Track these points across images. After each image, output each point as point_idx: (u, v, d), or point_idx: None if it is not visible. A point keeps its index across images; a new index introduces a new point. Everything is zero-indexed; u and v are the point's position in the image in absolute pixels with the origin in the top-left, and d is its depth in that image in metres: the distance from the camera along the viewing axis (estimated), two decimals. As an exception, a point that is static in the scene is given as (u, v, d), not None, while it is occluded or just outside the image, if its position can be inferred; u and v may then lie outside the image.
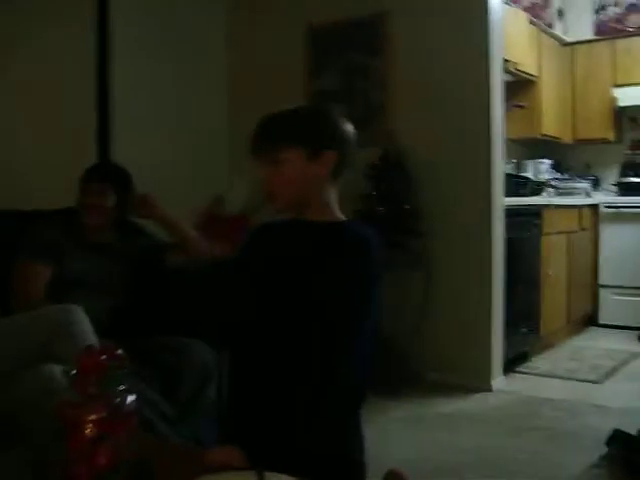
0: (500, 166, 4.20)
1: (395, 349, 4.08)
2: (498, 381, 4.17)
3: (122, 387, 1.20)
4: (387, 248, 4.11)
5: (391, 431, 3.37)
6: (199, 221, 2.17)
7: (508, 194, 4.45)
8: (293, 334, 1.54)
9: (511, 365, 4.48)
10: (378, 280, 1.61)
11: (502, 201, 4.23)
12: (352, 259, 1.55)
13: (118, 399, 1.18)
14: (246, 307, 1.64)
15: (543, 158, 6.24)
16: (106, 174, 2.86)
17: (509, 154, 5.82)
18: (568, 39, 6.36)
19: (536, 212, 4.92)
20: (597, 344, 5.31)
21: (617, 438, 1.57)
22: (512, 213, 4.39)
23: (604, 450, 1.60)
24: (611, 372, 4.45)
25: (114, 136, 4.01)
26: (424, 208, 4.19)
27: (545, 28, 5.91)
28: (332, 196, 1.67)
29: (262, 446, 1.39)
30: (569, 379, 4.35)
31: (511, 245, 4.34)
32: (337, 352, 1.50)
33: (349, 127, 1.67)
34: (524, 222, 4.72)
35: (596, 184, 6.48)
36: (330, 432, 1.54)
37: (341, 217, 1.68)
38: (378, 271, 1.62)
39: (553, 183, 6.10)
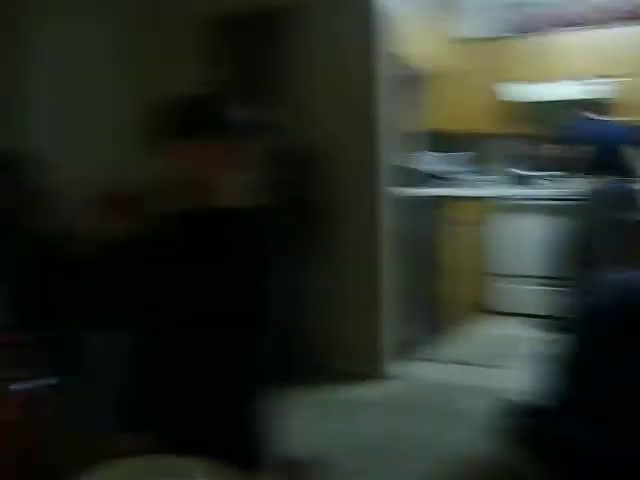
0: (394, 158, 4.29)
1: (292, 337, 4.08)
2: (394, 367, 4.24)
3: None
4: (281, 234, 4.13)
5: (296, 417, 3.36)
6: (98, 202, 2.11)
7: (405, 185, 4.53)
8: (194, 318, 1.51)
9: (407, 351, 4.56)
10: (272, 266, 1.60)
11: (397, 191, 4.31)
12: (246, 244, 1.54)
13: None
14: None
15: (440, 151, 6.37)
16: None
17: (407, 147, 5.93)
18: (464, 35, 6.53)
19: (433, 203, 5.03)
20: (492, 330, 5.48)
21: (517, 411, 1.51)
22: (409, 203, 4.48)
23: (500, 426, 1.56)
24: (505, 357, 4.59)
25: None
26: (319, 196, 4.22)
27: (441, 24, 6.04)
28: (232, 183, 1.65)
29: (175, 430, 1.38)
30: (465, 364, 4.46)
31: (410, 234, 4.43)
32: (234, 338, 1.48)
33: (242, 114, 1.66)
34: (421, 212, 4.81)
35: (490, 176, 6.68)
36: (227, 419, 1.53)
37: (238, 203, 1.66)
38: (272, 256, 1.61)
39: (450, 175, 6.24)
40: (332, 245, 4.22)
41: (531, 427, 1.34)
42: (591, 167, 4.97)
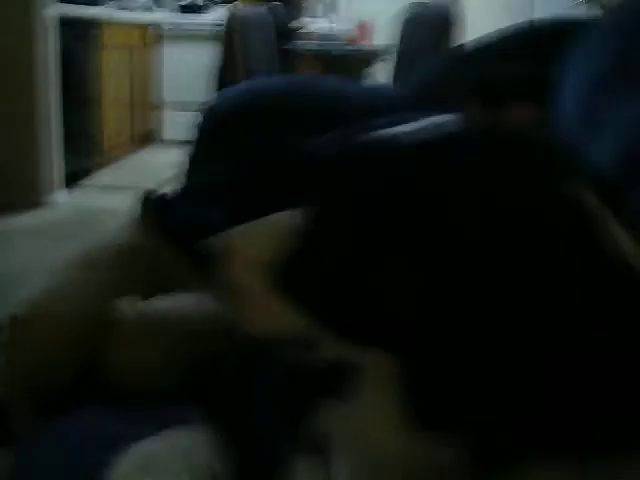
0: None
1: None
2: (59, 195, 4.13)
3: None
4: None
5: None
6: None
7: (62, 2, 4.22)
8: None
9: (73, 180, 4.46)
10: None
11: (53, 10, 3.99)
12: None
13: None
14: None
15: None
16: None
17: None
18: None
19: (94, 24, 4.75)
20: (159, 159, 5.51)
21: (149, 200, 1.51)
22: (67, 23, 4.20)
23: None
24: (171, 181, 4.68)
25: None
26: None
27: None
28: None
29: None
30: (121, 190, 4.41)
31: (67, 58, 4.18)
32: None
33: None
34: (81, 34, 4.55)
35: (159, 2, 6.49)
36: None
37: None
38: None
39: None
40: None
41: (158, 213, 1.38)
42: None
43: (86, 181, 4.65)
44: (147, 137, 6.02)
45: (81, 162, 4.62)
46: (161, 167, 5.13)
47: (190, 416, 0.86)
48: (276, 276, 0.57)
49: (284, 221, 0.60)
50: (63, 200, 4.12)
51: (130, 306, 1.11)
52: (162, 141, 6.05)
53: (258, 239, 0.60)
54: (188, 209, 1.37)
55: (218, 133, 1.77)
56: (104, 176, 4.86)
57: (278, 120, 1.69)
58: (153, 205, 1.43)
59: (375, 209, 0.53)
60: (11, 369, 1.12)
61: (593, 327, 0.47)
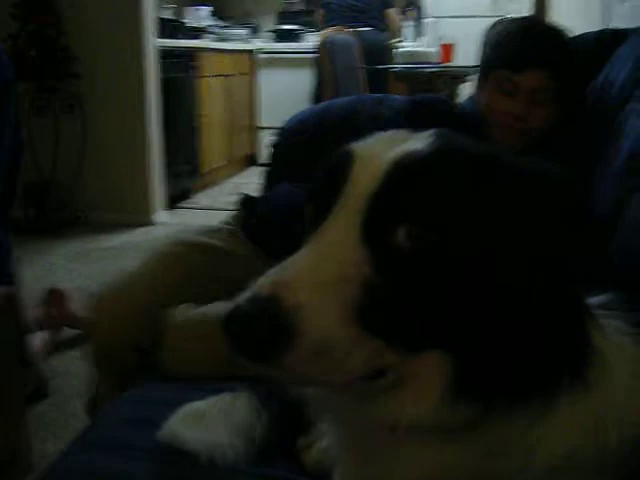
0: (151, 9, 4.24)
1: (54, 192, 4.11)
2: (160, 215, 4.40)
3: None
4: (39, 92, 4.00)
5: (57, 265, 3.46)
6: None
7: (165, 37, 4.54)
8: None
9: (173, 201, 4.74)
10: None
11: (155, 42, 4.30)
12: None
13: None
14: None
15: (203, 5, 6.36)
16: None
17: (167, -1, 5.84)
18: None
19: (193, 55, 5.06)
20: (256, 181, 5.74)
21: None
22: (168, 55, 4.51)
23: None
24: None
25: None
26: (77, 50, 4.13)
27: None
28: None
29: None
30: (227, 210, 4.71)
31: (168, 87, 4.48)
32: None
33: None
34: (181, 64, 4.85)
35: (255, 31, 6.80)
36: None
37: None
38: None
39: (212, 30, 6.27)
40: (92, 99, 4.19)
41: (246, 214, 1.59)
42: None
43: (186, 203, 4.94)
44: (245, 161, 6.29)
45: (181, 185, 4.91)
46: (258, 189, 5.36)
47: (233, 387, 1.02)
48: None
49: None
50: (164, 220, 4.39)
51: (180, 313, 1.29)
52: (260, 164, 6.30)
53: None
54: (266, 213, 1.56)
55: (289, 151, 1.93)
56: (203, 198, 5.14)
57: (342, 137, 1.82)
58: (241, 205, 1.62)
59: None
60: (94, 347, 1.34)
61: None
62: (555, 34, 1.54)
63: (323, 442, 0.77)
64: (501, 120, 1.49)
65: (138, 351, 1.30)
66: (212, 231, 1.57)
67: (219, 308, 1.30)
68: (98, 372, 1.41)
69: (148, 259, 1.48)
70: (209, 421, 0.93)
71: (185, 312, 1.31)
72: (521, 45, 1.48)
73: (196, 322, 1.28)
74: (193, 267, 1.44)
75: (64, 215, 4.16)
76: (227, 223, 1.62)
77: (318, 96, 4.76)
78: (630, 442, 0.63)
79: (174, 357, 1.26)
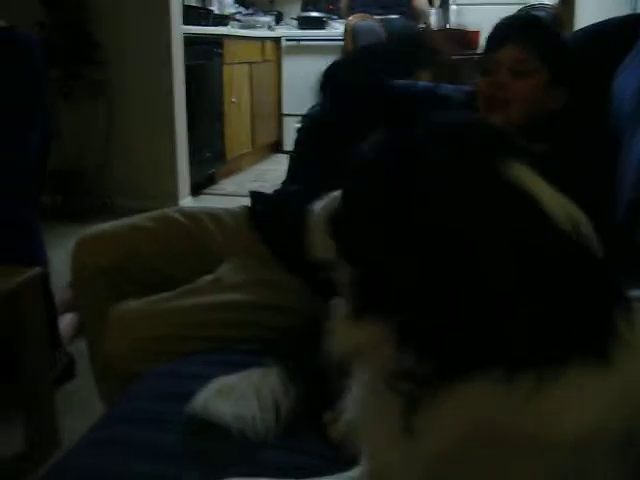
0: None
1: (81, 179, 4.16)
2: (186, 202, 4.43)
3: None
4: (66, 78, 4.04)
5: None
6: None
7: (190, 24, 4.56)
8: None
9: (198, 188, 4.78)
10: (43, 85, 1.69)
11: (181, 29, 4.32)
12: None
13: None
14: None
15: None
16: None
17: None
18: None
19: (219, 42, 5.08)
20: (281, 167, 5.77)
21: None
22: (193, 41, 4.53)
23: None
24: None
25: None
26: (103, 36, 4.16)
27: None
28: None
29: None
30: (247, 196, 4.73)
31: (193, 73, 4.51)
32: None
33: None
34: (206, 51, 4.88)
35: (279, 18, 6.81)
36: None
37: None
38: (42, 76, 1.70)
39: (237, 17, 6.29)
40: (118, 86, 4.23)
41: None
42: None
43: (210, 189, 4.97)
44: (270, 147, 6.31)
45: (206, 172, 4.94)
46: (281, 175, 5.37)
47: (263, 363, 1.04)
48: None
49: None
50: (189, 206, 4.42)
51: (127, 306, 1.34)
52: (284, 151, 6.32)
53: None
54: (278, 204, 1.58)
55: (313, 137, 1.94)
56: (228, 184, 5.17)
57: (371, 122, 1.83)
58: (253, 199, 1.65)
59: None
60: None
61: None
62: (534, 19, 1.62)
63: (349, 416, 0.79)
64: (486, 95, 1.53)
65: None
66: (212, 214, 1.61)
67: (170, 303, 1.33)
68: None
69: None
70: (239, 395, 0.95)
71: (134, 305, 1.34)
72: (497, 28, 1.58)
73: (145, 317, 1.31)
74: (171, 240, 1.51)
75: (90, 201, 4.20)
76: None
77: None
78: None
79: (118, 351, 1.28)
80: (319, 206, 0.83)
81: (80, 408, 2.05)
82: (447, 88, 1.84)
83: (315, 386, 0.95)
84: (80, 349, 2.38)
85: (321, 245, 0.79)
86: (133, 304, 1.34)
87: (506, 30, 1.57)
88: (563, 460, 0.63)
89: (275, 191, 1.82)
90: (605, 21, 1.81)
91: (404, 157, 0.70)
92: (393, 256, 0.66)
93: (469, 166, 0.67)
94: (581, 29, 2.00)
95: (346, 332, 0.69)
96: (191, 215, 1.60)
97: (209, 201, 4.66)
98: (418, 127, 0.73)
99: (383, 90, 1.73)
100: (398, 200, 0.67)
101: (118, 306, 1.34)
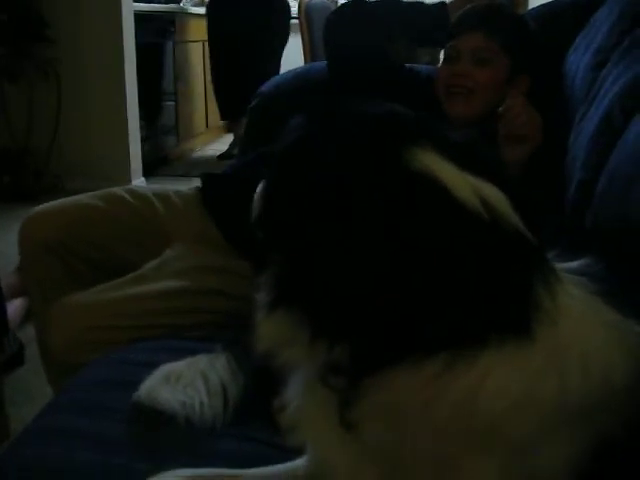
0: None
1: (30, 159, 4.07)
2: (139, 183, 4.36)
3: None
4: (14, 56, 3.93)
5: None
6: None
7: (142, 1, 4.48)
8: None
9: (151, 169, 4.71)
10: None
11: (132, 6, 4.23)
12: None
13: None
14: None
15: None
16: None
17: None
18: None
19: (170, 19, 5.00)
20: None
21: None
22: (145, 19, 4.45)
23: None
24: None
25: None
26: (52, 14, 4.04)
27: None
28: None
29: None
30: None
31: (145, 52, 4.42)
32: None
33: None
34: (158, 29, 4.79)
35: None
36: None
37: None
38: None
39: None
40: (66, 65, 4.12)
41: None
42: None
43: (163, 170, 4.90)
44: (224, 127, 6.25)
45: (159, 153, 4.87)
46: (235, 157, 5.34)
47: (210, 348, 1.03)
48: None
49: None
50: (138, 186, 4.35)
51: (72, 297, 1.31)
52: (238, 131, 6.27)
53: None
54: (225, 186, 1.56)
55: (265, 114, 1.92)
56: (180, 166, 5.11)
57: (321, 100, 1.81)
58: (203, 181, 1.62)
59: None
60: None
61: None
62: (496, 6, 1.69)
63: (296, 403, 0.78)
64: (448, 83, 1.53)
65: None
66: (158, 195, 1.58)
67: (114, 292, 1.31)
68: None
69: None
70: (186, 382, 0.94)
71: (78, 297, 1.32)
72: (460, 16, 1.61)
73: (89, 307, 1.29)
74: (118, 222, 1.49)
75: (41, 182, 4.10)
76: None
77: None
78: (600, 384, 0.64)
79: (62, 343, 1.26)
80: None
81: (30, 396, 2.01)
82: None
83: (263, 372, 0.94)
84: (29, 335, 2.34)
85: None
86: (77, 296, 1.31)
87: (468, 18, 1.59)
88: (495, 436, 0.63)
89: (225, 170, 1.78)
90: (554, 1, 1.82)
91: (316, 145, 0.70)
92: (303, 245, 0.66)
93: (375, 156, 0.67)
94: (533, 8, 2.01)
95: (266, 325, 0.69)
96: (140, 195, 1.57)
97: (162, 182, 4.59)
98: (342, 113, 0.74)
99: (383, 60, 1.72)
100: (305, 189, 0.67)
101: (62, 299, 1.31)
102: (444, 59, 1.58)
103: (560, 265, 0.72)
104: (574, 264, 0.74)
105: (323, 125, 0.74)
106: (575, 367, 0.64)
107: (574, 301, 0.68)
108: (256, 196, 0.79)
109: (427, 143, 0.67)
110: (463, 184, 0.65)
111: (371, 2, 1.79)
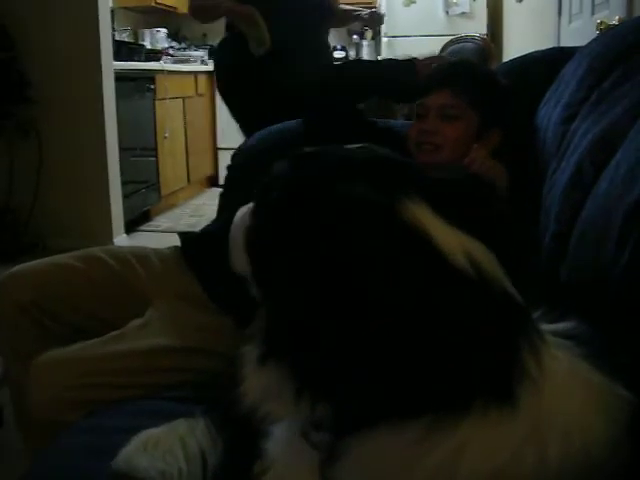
0: (107, 32, 4.21)
1: (10, 219, 4.06)
2: (120, 239, 4.36)
3: None
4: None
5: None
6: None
7: (122, 60, 4.52)
8: None
9: (133, 225, 4.71)
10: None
11: (112, 65, 4.27)
12: None
13: None
14: None
15: (160, 27, 6.37)
16: None
17: (124, 22, 5.83)
18: None
19: (150, 77, 5.04)
20: (216, 202, 5.73)
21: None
22: (125, 77, 4.49)
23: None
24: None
25: None
26: (33, 74, 4.08)
27: None
28: None
29: None
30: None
31: (125, 109, 4.46)
32: None
33: None
34: (139, 86, 4.83)
35: (212, 53, 6.80)
36: None
37: None
38: None
39: (170, 52, 6.28)
40: (48, 125, 4.14)
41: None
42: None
43: (146, 226, 4.90)
44: (206, 182, 6.28)
45: (140, 208, 4.87)
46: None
47: (189, 413, 1.02)
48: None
49: None
50: (124, 244, 4.34)
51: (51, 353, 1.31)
52: (220, 185, 6.27)
53: None
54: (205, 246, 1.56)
55: (244, 171, 1.93)
56: (163, 220, 5.11)
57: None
58: (182, 239, 1.62)
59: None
60: None
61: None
62: (465, 64, 1.78)
63: (276, 465, 0.77)
64: (417, 140, 1.57)
65: None
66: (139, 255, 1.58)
67: (95, 350, 1.31)
68: None
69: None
70: (165, 449, 0.92)
71: (57, 353, 1.30)
72: (429, 75, 1.66)
73: (69, 364, 1.28)
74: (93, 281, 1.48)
75: (21, 242, 4.09)
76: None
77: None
78: (580, 453, 0.63)
79: (41, 400, 1.24)
80: (239, 219, 0.84)
81: (8, 460, 1.97)
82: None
83: (243, 435, 0.93)
84: (7, 396, 2.30)
85: (239, 259, 0.81)
86: (56, 352, 1.29)
87: (436, 76, 1.63)
88: None
89: (204, 229, 1.79)
90: (525, 56, 1.86)
91: (303, 191, 0.71)
92: (290, 300, 0.67)
93: (365, 207, 0.67)
94: (504, 63, 2.05)
95: (253, 380, 0.69)
96: (118, 256, 1.56)
97: (145, 238, 4.59)
98: (329, 156, 0.74)
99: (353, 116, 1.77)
100: (294, 237, 0.68)
101: (41, 355, 1.29)
102: (415, 116, 1.61)
103: (545, 326, 0.72)
104: (559, 326, 0.74)
105: (310, 170, 0.73)
106: (557, 437, 0.63)
107: (559, 365, 0.67)
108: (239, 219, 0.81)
109: (417, 194, 0.68)
110: (452, 241, 0.65)
111: (340, 64, 1.86)
